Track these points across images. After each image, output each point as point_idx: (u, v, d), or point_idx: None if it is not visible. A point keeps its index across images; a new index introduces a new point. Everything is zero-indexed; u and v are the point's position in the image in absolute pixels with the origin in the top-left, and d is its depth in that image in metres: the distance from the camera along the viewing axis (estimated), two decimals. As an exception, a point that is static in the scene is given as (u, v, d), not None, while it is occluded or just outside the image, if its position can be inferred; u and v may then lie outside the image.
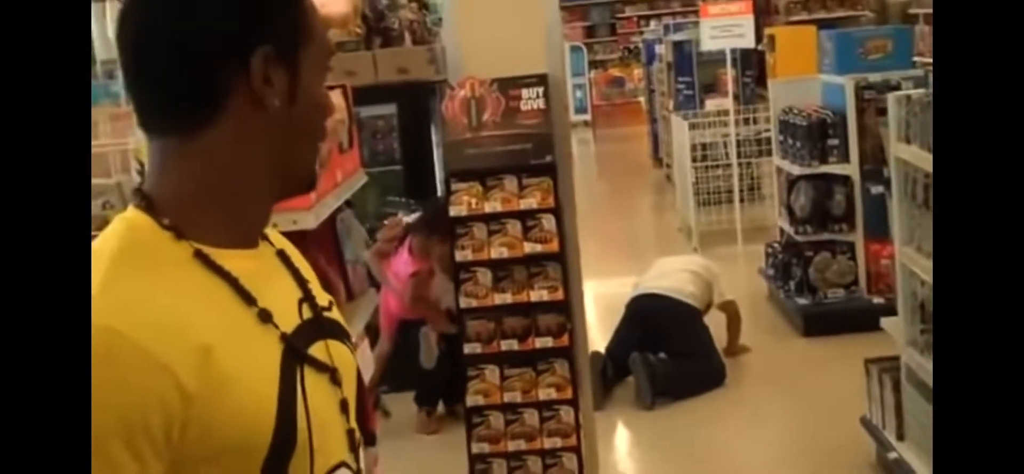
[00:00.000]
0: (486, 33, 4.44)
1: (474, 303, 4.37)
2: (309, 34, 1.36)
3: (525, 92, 4.38)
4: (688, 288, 6.38)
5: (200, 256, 1.30)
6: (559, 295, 4.35)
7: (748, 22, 9.29)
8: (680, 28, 13.06)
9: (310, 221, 3.14)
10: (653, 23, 19.50)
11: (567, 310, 4.39)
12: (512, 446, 4.38)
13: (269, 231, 1.48)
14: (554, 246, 4.33)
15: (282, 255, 1.44)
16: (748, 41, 9.46)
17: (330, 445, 1.36)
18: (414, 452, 5.42)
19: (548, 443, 4.37)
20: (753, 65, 11.41)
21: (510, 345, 4.38)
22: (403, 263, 5.91)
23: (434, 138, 6.75)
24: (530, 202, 4.34)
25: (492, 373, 4.39)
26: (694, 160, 9.84)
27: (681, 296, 6.32)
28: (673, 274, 6.52)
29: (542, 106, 4.37)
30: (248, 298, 1.32)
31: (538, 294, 4.35)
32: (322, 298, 1.46)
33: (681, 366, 6.14)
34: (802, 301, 6.99)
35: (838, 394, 5.67)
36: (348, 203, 4.42)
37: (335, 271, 3.62)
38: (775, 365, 6.57)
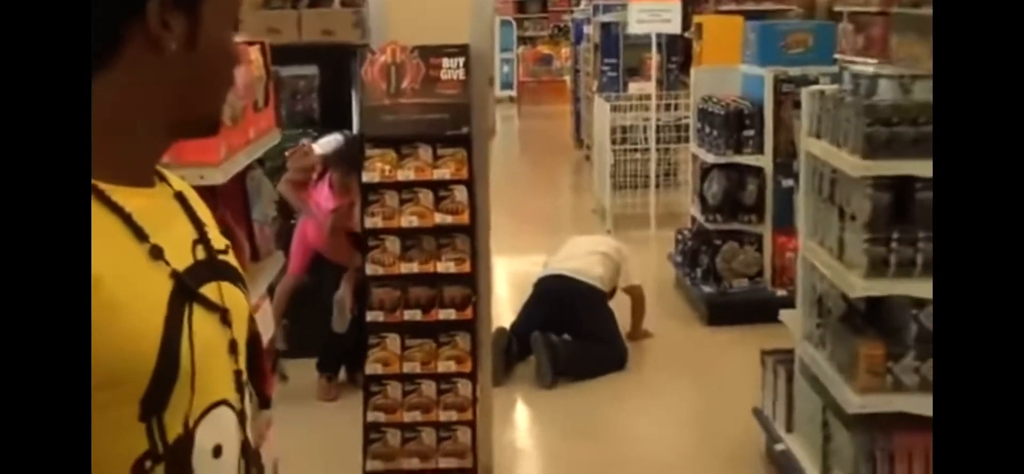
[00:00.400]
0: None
1: (380, 270, 4.37)
2: None
3: (446, 62, 4.38)
4: (595, 270, 6.44)
5: (95, 191, 1.32)
6: (466, 268, 4.36)
7: (676, 8, 9.37)
8: (609, 9, 13.09)
9: (218, 177, 3.11)
10: (584, 3, 19.51)
11: (473, 283, 4.41)
12: (408, 417, 4.40)
13: (169, 173, 1.50)
14: (464, 218, 4.35)
15: (180, 197, 1.47)
16: (674, 27, 9.53)
17: (214, 383, 1.38)
18: (309, 418, 5.38)
19: (444, 416, 4.39)
20: (679, 52, 11.50)
21: (413, 315, 4.39)
22: (324, 197, 5.87)
23: (354, 103, 6.70)
24: (443, 173, 4.35)
25: (393, 342, 4.40)
26: (614, 142, 9.90)
27: (588, 278, 6.38)
28: (582, 256, 6.58)
29: (462, 77, 4.37)
30: (140, 233, 1.33)
31: (445, 265, 4.37)
32: (218, 241, 1.48)
33: (583, 347, 6.21)
34: (707, 289, 7.09)
35: (736, 383, 5.77)
36: (260, 162, 4.39)
37: (242, 230, 3.59)
38: (677, 351, 6.67)
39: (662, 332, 6.84)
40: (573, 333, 6.26)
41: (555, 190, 12.83)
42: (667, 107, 9.99)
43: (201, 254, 1.42)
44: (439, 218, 4.35)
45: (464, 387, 4.37)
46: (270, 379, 3.70)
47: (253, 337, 3.48)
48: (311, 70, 6.66)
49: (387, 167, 4.36)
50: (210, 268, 1.43)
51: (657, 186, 9.65)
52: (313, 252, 5.98)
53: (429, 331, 4.38)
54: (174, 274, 1.35)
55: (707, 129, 7.40)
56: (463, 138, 4.37)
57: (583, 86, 13.80)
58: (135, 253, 1.32)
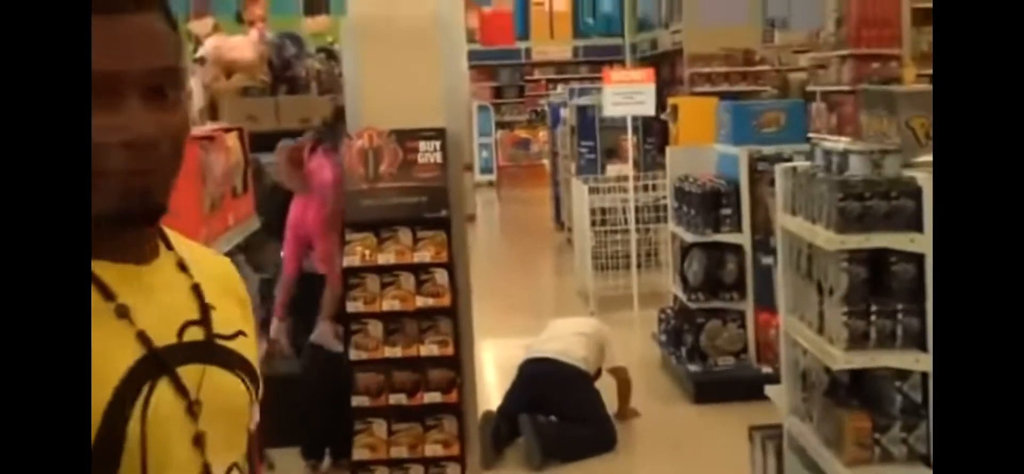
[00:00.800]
0: (387, 84, 4.48)
1: (364, 355, 4.37)
2: None
3: (423, 145, 4.41)
4: (579, 352, 6.42)
5: None
6: (449, 350, 4.36)
7: (649, 90, 9.46)
8: (585, 93, 13.24)
9: (196, 263, 3.12)
10: (561, 87, 19.74)
11: (457, 366, 4.41)
12: (397, 502, 4.37)
13: (196, 257, 1.47)
14: (446, 301, 4.35)
15: (195, 287, 1.41)
16: (649, 109, 9.62)
17: (169, 470, 1.32)
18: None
19: (433, 500, 4.37)
20: (655, 133, 11.62)
21: (399, 399, 4.38)
22: (324, 169, 5.69)
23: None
24: (424, 255, 4.36)
25: (379, 427, 4.38)
26: (594, 224, 9.93)
27: (571, 360, 6.36)
28: (564, 337, 6.57)
29: (439, 160, 4.40)
30: (106, 292, 1.29)
31: (429, 349, 4.36)
32: (228, 326, 1.43)
33: (571, 429, 6.17)
34: (693, 368, 7.08)
35: (725, 460, 5.73)
36: (241, 248, 4.39)
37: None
38: (665, 430, 6.64)
39: (649, 411, 6.81)
40: (559, 415, 6.23)
41: (538, 273, 12.84)
42: (645, 188, 10.04)
43: (195, 335, 1.38)
44: (421, 301, 4.36)
45: (453, 470, 4.36)
46: (259, 467, 3.66)
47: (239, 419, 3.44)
48: (289, 158, 6.68)
49: (367, 251, 4.37)
50: (200, 351, 1.38)
51: (639, 266, 9.67)
52: (305, 248, 5.75)
53: (415, 415, 4.37)
54: (143, 340, 1.30)
55: (685, 208, 7.44)
56: (442, 221, 4.39)
57: (562, 169, 13.89)
58: (98, 309, 1.27)
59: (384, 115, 4.43)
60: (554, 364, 6.35)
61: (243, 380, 1.43)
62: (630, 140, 10.02)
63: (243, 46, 7.24)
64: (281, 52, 7.28)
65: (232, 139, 4.17)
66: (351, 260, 4.36)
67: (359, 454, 4.37)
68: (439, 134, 4.40)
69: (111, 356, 1.27)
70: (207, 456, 1.36)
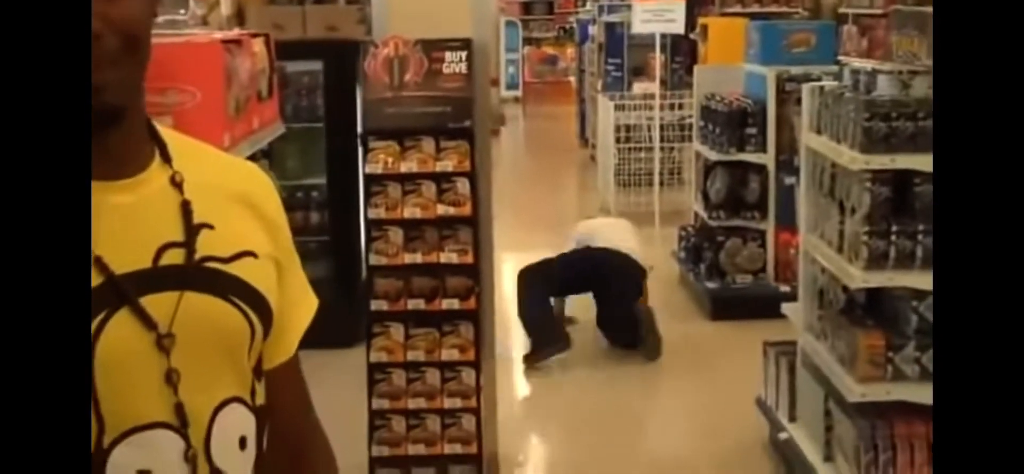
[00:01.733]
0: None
1: (384, 261, 4.41)
2: None
3: (449, 55, 4.41)
4: (639, 251, 6.81)
5: None
6: (469, 258, 4.40)
7: (680, 8, 9.40)
8: (614, 10, 13.14)
9: (220, 165, 3.16)
10: (589, 3, 19.57)
11: (476, 274, 4.44)
12: (412, 404, 4.43)
13: (211, 169, 1.37)
14: (467, 210, 4.38)
15: (185, 205, 1.31)
16: (678, 27, 9.57)
17: (137, 404, 1.24)
18: (317, 401, 5.43)
19: (448, 403, 4.43)
20: (683, 53, 11.54)
21: (417, 304, 4.42)
22: None
23: (359, 99, 6.74)
24: (446, 165, 4.38)
25: (397, 331, 4.44)
26: (618, 141, 9.94)
27: (637, 257, 6.72)
28: (624, 235, 6.96)
29: (465, 71, 4.40)
30: None
31: (448, 256, 4.40)
32: (223, 249, 1.32)
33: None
34: (711, 285, 7.12)
35: (739, 376, 5.79)
36: (265, 154, 4.44)
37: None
38: (681, 345, 6.68)
39: (667, 327, 6.84)
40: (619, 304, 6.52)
41: (561, 188, 12.86)
42: (671, 107, 10.03)
43: (172, 258, 1.27)
44: (442, 210, 4.38)
45: (468, 375, 4.41)
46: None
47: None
48: (316, 66, 6.71)
49: (390, 159, 4.40)
50: (177, 276, 1.26)
51: (661, 184, 9.69)
52: None
53: (432, 320, 4.41)
54: (102, 267, 1.20)
55: (710, 127, 7.44)
56: (466, 131, 4.41)
57: (588, 86, 13.84)
58: None
59: (410, 24, 4.43)
60: (622, 256, 6.58)
61: (238, 306, 1.31)
62: (657, 58, 9.98)
63: (270, -44, 7.24)
64: (310, -39, 7.28)
65: (258, 44, 4.20)
66: (373, 168, 4.39)
67: (376, 356, 4.42)
68: (465, 45, 4.40)
69: None
70: (182, 394, 1.26)
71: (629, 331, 6.39)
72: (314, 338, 5.22)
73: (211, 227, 1.31)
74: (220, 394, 1.31)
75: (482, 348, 4.48)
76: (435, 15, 4.51)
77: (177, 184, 1.31)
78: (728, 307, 6.93)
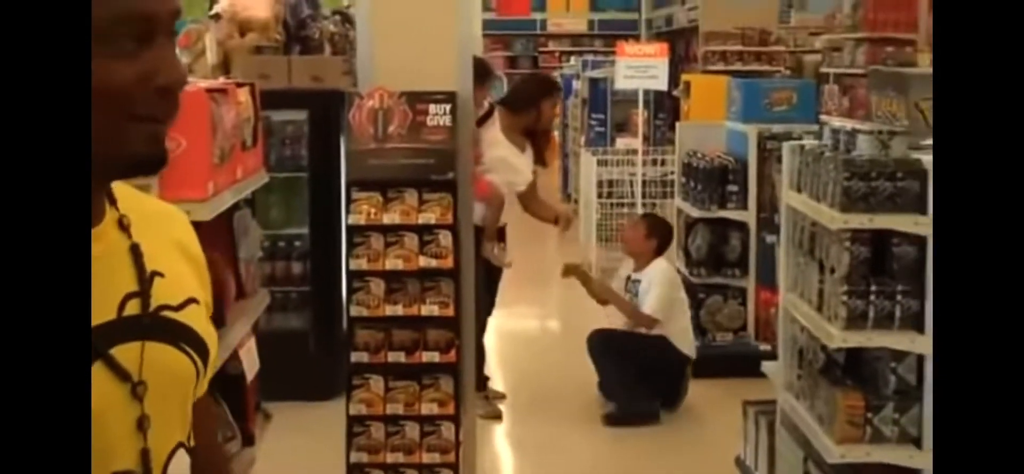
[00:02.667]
0: (399, 46, 4.50)
1: (365, 312, 4.40)
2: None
3: (433, 108, 4.43)
4: None
5: None
6: (450, 311, 4.40)
7: (663, 65, 9.47)
8: (598, 66, 13.24)
9: (204, 213, 3.15)
10: (574, 59, 19.71)
11: (457, 327, 4.44)
12: (391, 458, 4.42)
13: (146, 212, 1.39)
14: (449, 262, 4.38)
15: (134, 249, 1.33)
16: (661, 84, 9.63)
17: (106, 457, 1.26)
18: (293, 457, 5.40)
19: (427, 458, 4.41)
20: (666, 109, 11.62)
21: (397, 357, 4.41)
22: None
23: (343, 149, 6.75)
24: (429, 217, 4.39)
25: (377, 383, 4.43)
26: (600, 196, 9.97)
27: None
28: None
29: (449, 123, 4.42)
30: None
31: (429, 309, 4.40)
32: (175, 296, 1.35)
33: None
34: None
35: (719, 435, 5.79)
36: (248, 202, 4.43)
37: (229, 268, 3.63)
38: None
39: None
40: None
41: (542, 242, 12.85)
42: (653, 162, 10.07)
43: (132, 309, 1.29)
44: (424, 262, 4.39)
45: (447, 430, 4.39)
46: (254, 417, 3.72)
47: (237, 376, 3.48)
48: (300, 115, 6.73)
49: (373, 210, 4.41)
50: (140, 327, 1.29)
51: (644, 239, 9.69)
52: None
53: (413, 373, 4.41)
54: None
55: (692, 183, 7.48)
56: (449, 183, 4.42)
57: (571, 141, 13.90)
58: None
59: (396, 76, 4.46)
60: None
61: (189, 355, 1.36)
62: (640, 114, 10.03)
63: (258, 5, 7.27)
64: (296, 12, 7.32)
65: (244, 94, 4.20)
66: (356, 219, 4.39)
67: (356, 409, 4.41)
68: (450, 97, 4.42)
69: None
70: (149, 441, 1.30)
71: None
72: (293, 390, 5.20)
73: (162, 275, 1.33)
74: (174, 439, 1.36)
75: (462, 403, 4.47)
76: (420, 68, 4.53)
77: (125, 228, 1.32)
78: (708, 365, 6.91)
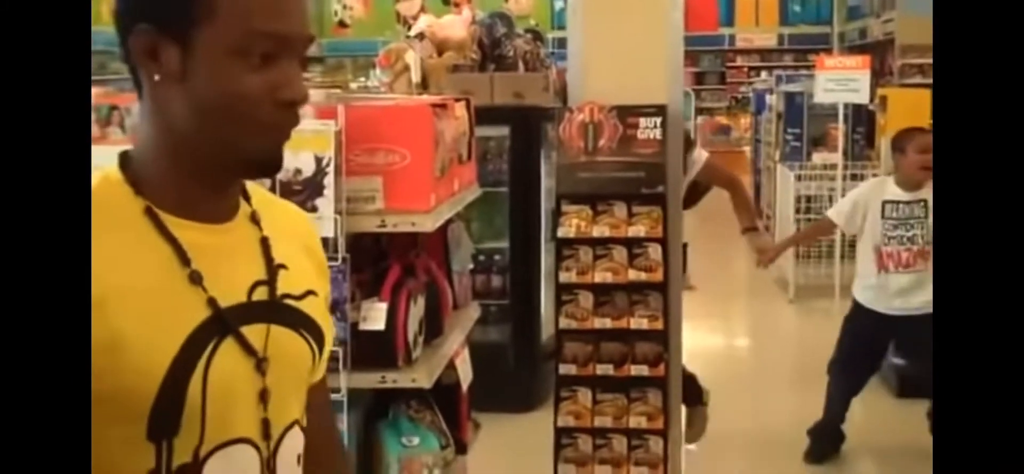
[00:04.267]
0: (609, 60, 4.52)
1: (574, 324, 4.42)
2: (210, 15, 1.33)
3: (643, 121, 4.43)
4: None
5: (149, 214, 1.36)
6: (658, 324, 4.38)
7: (864, 78, 9.24)
8: (793, 80, 13.01)
9: (428, 224, 3.23)
10: (764, 74, 19.41)
11: (665, 340, 4.42)
12: (599, 471, 4.42)
13: (275, 212, 1.54)
14: (658, 276, 4.37)
15: (264, 241, 1.48)
16: (863, 97, 9.40)
17: (234, 421, 1.40)
18: (501, 467, 5.47)
19: (635, 472, 4.40)
20: (863, 123, 11.32)
21: (605, 370, 4.42)
22: None
23: (543, 164, 6.83)
24: (638, 230, 4.38)
25: (585, 396, 4.44)
26: (798, 212, 9.79)
27: None
28: None
29: (659, 136, 4.41)
30: (184, 258, 1.36)
31: (638, 322, 4.39)
32: (297, 286, 1.50)
33: None
34: (898, 361, 6.89)
35: (926, 455, 5.59)
36: (461, 216, 4.52)
37: (444, 278, 3.69)
38: (864, 425, 6.49)
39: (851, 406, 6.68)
40: None
41: (734, 259, 12.69)
42: (853, 177, 9.81)
43: (261, 295, 1.44)
44: (633, 275, 4.38)
45: (655, 444, 4.37)
46: (466, 425, 3.78)
47: (451, 385, 3.54)
48: (503, 131, 6.83)
49: (582, 223, 4.43)
50: (267, 310, 1.44)
51: (842, 256, 9.47)
52: None
53: (621, 386, 4.40)
54: (212, 303, 1.37)
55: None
56: (659, 197, 4.41)
57: (764, 156, 13.67)
58: (170, 280, 1.34)
59: (605, 90, 4.48)
60: None
61: (307, 340, 1.51)
62: (840, 128, 9.81)
63: (455, 25, 7.44)
64: (491, 31, 7.46)
65: (460, 108, 4.30)
66: (566, 232, 4.42)
67: (564, 421, 4.43)
68: (660, 111, 4.41)
69: (180, 318, 1.34)
70: (269, 412, 1.44)
71: None
72: (494, 401, 5.25)
73: (285, 267, 1.49)
74: (290, 416, 1.49)
75: (670, 417, 4.44)
76: (629, 82, 4.54)
77: (256, 221, 1.49)
78: (917, 385, 6.67)
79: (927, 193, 5.58)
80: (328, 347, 1.60)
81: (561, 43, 4.81)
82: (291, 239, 1.54)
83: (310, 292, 1.52)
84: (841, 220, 6.03)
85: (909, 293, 5.63)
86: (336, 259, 2.96)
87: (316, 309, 1.53)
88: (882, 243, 5.69)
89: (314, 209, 3.01)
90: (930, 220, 5.51)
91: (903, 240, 5.63)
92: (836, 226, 6.00)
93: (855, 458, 6.02)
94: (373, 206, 3.14)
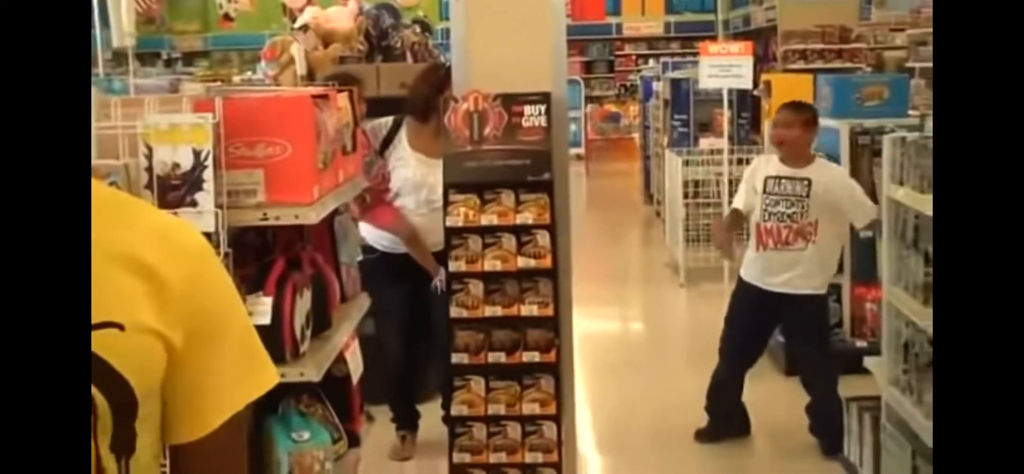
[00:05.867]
0: (492, 49, 4.51)
1: (464, 313, 4.42)
2: None
3: (528, 109, 4.44)
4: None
5: None
6: (549, 311, 4.40)
7: (747, 63, 9.39)
8: (679, 67, 13.18)
9: (311, 216, 3.18)
10: (652, 62, 19.63)
11: (556, 327, 4.44)
12: (494, 458, 4.42)
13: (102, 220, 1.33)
14: (547, 262, 4.38)
15: None
16: (746, 82, 9.56)
17: None
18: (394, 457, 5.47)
19: (529, 458, 4.41)
20: (748, 108, 11.53)
21: (497, 358, 4.42)
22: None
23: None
24: (526, 217, 4.39)
25: (478, 384, 4.44)
26: (686, 197, 9.92)
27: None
28: None
29: (544, 124, 4.43)
30: None
31: (528, 309, 4.40)
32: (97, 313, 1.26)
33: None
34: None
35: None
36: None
37: (331, 270, 3.66)
38: (754, 403, 6.60)
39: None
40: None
41: (626, 245, 12.85)
42: (739, 161, 9.97)
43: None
44: (522, 262, 4.39)
45: (549, 429, 4.39)
46: (358, 417, 3.75)
47: (342, 378, 3.50)
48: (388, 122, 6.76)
49: (470, 212, 4.42)
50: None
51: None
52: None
53: (513, 374, 4.41)
54: None
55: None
56: (546, 184, 4.42)
57: (653, 142, 13.84)
58: None
59: (489, 78, 4.47)
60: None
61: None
62: (725, 114, 9.97)
63: (341, 16, 7.37)
64: (378, 23, 7.42)
65: (343, 99, 4.24)
66: (454, 220, 4.41)
67: (457, 410, 4.42)
68: (545, 98, 4.43)
69: None
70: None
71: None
72: (387, 393, 5.13)
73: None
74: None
75: (562, 401, 4.46)
76: (513, 70, 4.54)
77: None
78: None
79: (811, 173, 5.66)
80: (217, 394, 1.37)
81: (449, 34, 4.78)
82: (104, 252, 1.27)
83: (108, 324, 1.25)
84: (740, 203, 6.05)
85: (786, 271, 5.69)
86: (218, 254, 2.91)
87: (113, 346, 1.26)
88: (761, 219, 5.74)
89: (194, 204, 2.95)
90: (811, 200, 5.60)
91: (782, 217, 5.67)
92: (742, 214, 6.01)
93: (745, 437, 6.11)
94: (254, 199, 3.09)
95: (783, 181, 5.68)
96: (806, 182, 5.62)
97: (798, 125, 5.69)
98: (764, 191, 5.73)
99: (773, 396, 6.50)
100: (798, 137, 5.68)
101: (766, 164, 5.93)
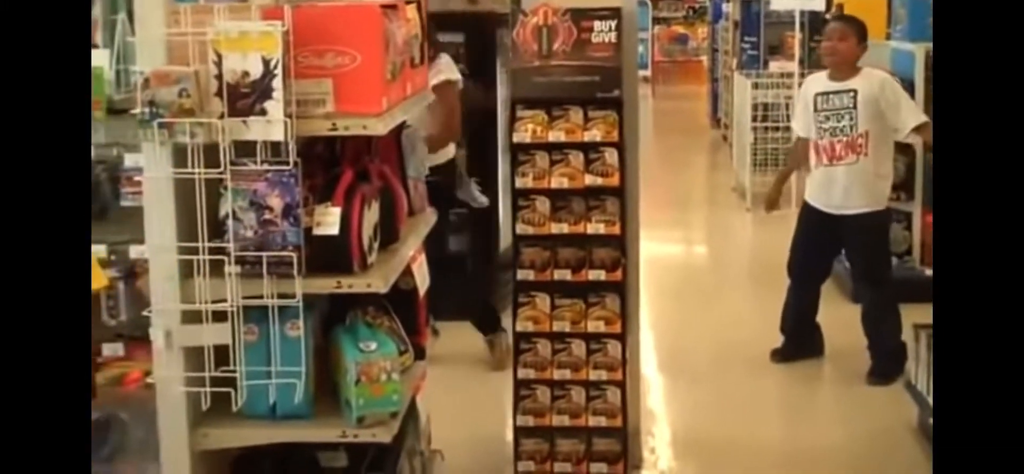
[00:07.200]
0: (563, -37, 4.44)
1: (530, 230, 4.40)
2: None
3: (598, 24, 4.38)
4: None
5: None
6: (616, 229, 4.37)
7: (821, -16, 9.20)
8: (750, -12, 12.94)
9: (379, 128, 3.16)
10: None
11: (622, 245, 4.41)
12: (557, 374, 4.42)
13: None
14: (615, 180, 4.34)
15: None
16: (818, 4, 9.37)
17: None
18: (461, 373, 5.48)
19: (593, 375, 4.41)
20: (820, 31, 11.30)
21: (563, 275, 4.40)
22: None
23: (498, 70, 6.76)
24: (594, 134, 4.35)
25: (543, 301, 4.43)
26: (754, 120, 9.78)
27: None
28: None
29: (614, 40, 4.36)
30: None
31: (595, 227, 4.37)
32: None
33: None
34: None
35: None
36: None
37: (398, 183, 3.64)
38: (825, 329, 6.54)
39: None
40: None
41: (692, 168, 12.74)
42: (810, 85, 9.82)
43: None
44: (589, 180, 4.36)
45: (614, 348, 4.38)
46: (424, 331, 3.76)
47: (408, 291, 3.50)
48: (457, 38, 6.73)
49: (537, 128, 4.38)
50: None
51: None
52: None
53: (578, 291, 4.40)
54: None
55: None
56: (615, 101, 4.37)
57: (721, 65, 13.65)
58: None
59: (559, -7, 4.41)
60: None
61: None
62: (796, 36, 9.79)
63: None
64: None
65: (412, 10, 4.20)
66: (521, 136, 4.38)
67: (522, 326, 4.43)
68: (615, 13, 4.36)
69: None
70: None
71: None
72: (455, 310, 5.17)
73: None
74: None
75: (628, 321, 4.45)
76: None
77: None
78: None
79: (856, 83, 5.60)
80: None
81: (517, -53, 4.73)
82: None
83: None
84: (798, 127, 6.01)
85: (842, 188, 5.64)
86: (288, 163, 2.90)
87: None
88: (817, 137, 5.71)
89: (263, 112, 2.93)
90: (858, 110, 5.55)
91: (834, 131, 5.63)
92: (802, 138, 5.96)
93: (810, 361, 6.07)
94: (323, 109, 3.07)
95: (831, 96, 5.66)
96: (852, 93, 5.58)
97: (846, 36, 5.66)
98: (815, 109, 5.71)
99: (840, 321, 6.43)
100: (846, 49, 5.65)
101: (814, 82, 5.90)
